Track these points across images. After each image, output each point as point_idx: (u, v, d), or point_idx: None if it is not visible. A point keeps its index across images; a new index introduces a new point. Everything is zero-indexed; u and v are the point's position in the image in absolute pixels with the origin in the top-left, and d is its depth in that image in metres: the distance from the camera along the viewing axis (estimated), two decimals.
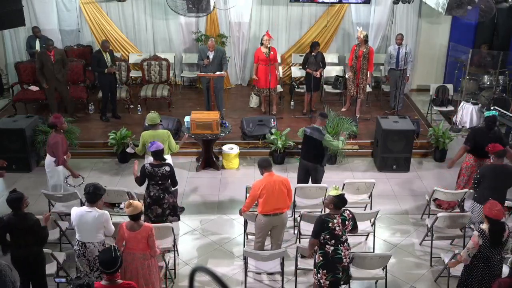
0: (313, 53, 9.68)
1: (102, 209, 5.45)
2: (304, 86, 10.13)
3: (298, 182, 7.19)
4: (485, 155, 6.94)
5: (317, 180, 7.18)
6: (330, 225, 5.07)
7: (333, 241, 5.12)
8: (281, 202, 5.91)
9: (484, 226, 5.13)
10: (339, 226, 5.10)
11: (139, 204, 5.18)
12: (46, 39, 9.65)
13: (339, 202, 5.12)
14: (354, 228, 5.30)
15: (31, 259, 5.22)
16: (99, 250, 5.33)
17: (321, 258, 5.21)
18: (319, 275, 5.24)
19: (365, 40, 9.66)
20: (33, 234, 5.20)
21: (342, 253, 5.16)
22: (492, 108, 9.37)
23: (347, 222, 5.15)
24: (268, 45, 9.53)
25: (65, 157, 6.91)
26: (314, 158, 7.07)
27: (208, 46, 9.34)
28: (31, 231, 5.17)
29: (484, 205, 6.21)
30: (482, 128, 7.10)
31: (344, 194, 5.20)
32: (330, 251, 5.14)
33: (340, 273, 5.20)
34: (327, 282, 5.21)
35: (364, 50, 9.63)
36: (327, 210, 5.31)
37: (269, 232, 6.14)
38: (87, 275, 5.16)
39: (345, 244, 5.22)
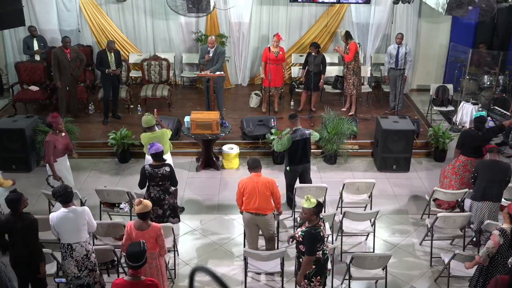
0: (312, 54, 9.70)
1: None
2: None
3: (290, 189, 7.15)
4: (476, 155, 7.04)
5: (308, 180, 7.24)
6: (322, 234, 5.04)
7: (321, 246, 5.10)
8: (262, 203, 5.93)
9: (506, 226, 5.06)
10: (325, 229, 5.14)
11: (149, 203, 5.21)
12: (64, 37, 9.63)
13: (319, 210, 5.04)
14: None
15: (30, 259, 5.23)
16: (87, 249, 5.36)
17: (313, 267, 5.09)
18: (312, 284, 5.14)
19: (346, 37, 9.83)
20: (31, 233, 5.22)
21: (327, 251, 5.18)
22: (491, 107, 9.39)
23: (324, 221, 5.20)
24: (277, 45, 9.67)
25: (65, 157, 6.93)
26: (306, 158, 7.13)
27: (208, 43, 9.37)
28: (29, 231, 5.20)
29: (477, 201, 6.26)
30: (470, 130, 7.12)
31: (319, 200, 5.10)
32: (321, 255, 5.11)
33: (328, 271, 5.25)
34: (321, 287, 5.19)
35: (347, 46, 9.75)
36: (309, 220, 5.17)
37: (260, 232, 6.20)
38: (75, 276, 5.18)
39: (326, 241, 5.23)
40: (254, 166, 6.04)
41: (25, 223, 5.18)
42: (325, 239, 5.17)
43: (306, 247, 4.99)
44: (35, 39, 10.41)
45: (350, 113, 10.03)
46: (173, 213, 6.47)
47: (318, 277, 5.13)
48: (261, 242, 6.40)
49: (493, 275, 5.12)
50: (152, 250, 5.17)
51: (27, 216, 5.26)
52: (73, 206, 5.33)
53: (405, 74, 10.02)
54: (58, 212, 5.31)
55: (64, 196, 5.28)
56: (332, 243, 6.41)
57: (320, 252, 5.08)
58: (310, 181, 7.27)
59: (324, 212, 6.71)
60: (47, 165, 6.97)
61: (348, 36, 9.86)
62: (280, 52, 9.72)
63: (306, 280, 5.17)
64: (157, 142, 6.42)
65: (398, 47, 9.90)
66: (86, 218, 5.33)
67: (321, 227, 5.04)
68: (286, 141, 6.96)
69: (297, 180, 7.25)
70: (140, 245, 4.53)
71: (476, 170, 6.46)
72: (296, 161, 7.11)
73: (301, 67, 10.74)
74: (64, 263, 5.42)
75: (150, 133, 6.96)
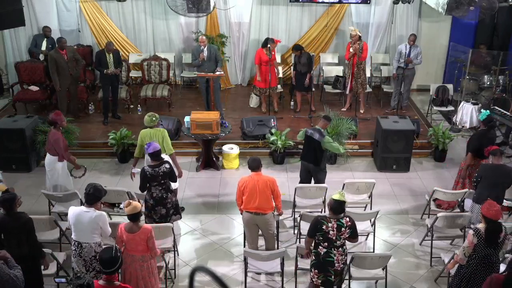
0: (295, 55, 9.82)
1: (101, 210, 5.43)
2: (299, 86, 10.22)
3: (300, 182, 7.19)
4: (485, 156, 7.01)
5: (319, 181, 7.19)
6: (323, 227, 5.06)
7: (326, 244, 5.10)
8: (263, 202, 5.93)
9: (481, 226, 5.12)
10: (333, 230, 5.07)
11: (138, 204, 5.17)
12: (59, 38, 9.58)
13: (336, 207, 5.10)
14: (353, 237, 5.25)
15: (24, 258, 5.14)
16: (96, 251, 5.33)
17: (313, 257, 5.25)
18: (311, 274, 5.30)
19: (359, 37, 9.83)
20: (26, 233, 5.19)
21: (335, 257, 5.13)
22: (492, 107, 9.38)
23: (343, 229, 5.10)
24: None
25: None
26: (313, 159, 7.08)
27: (200, 41, 9.36)
28: (24, 230, 5.16)
29: (479, 204, 6.24)
30: (483, 131, 7.13)
31: (344, 202, 5.16)
32: (322, 253, 5.14)
33: (333, 276, 5.18)
34: (320, 281, 5.24)
35: (358, 46, 9.71)
36: (327, 211, 5.32)
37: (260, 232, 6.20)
38: (75, 276, 5.14)
39: (340, 249, 5.17)
40: (254, 166, 6.02)
41: (20, 222, 5.15)
42: (333, 241, 5.10)
43: (309, 227, 5.30)
44: (45, 39, 10.44)
45: (361, 111, 10.17)
46: (176, 210, 6.48)
47: (316, 271, 5.21)
48: (261, 242, 6.40)
49: (470, 272, 5.18)
50: (143, 253, 5.15)
51: (21, 215, 5.22)
52: (94, 209, 5.28)
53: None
54: (77, 209, 5.31)
55: (90, 196, 5.25)
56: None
57: (324, 250, 5.11)
58: (320, 183, 7.21)
59: (324, 211, 6.72)
60: (57, 163, 6.93)
61: (360, 36, 9.88)
62: (272, 52, 9.72)
63: (310, 268, 5.32)
64: (154, 141, 6.42)
65: (410, 47, 9.88)
66: (100, 223, 5.29)
67: (329, 224, 5.06)
68: (301, 131, 7.26)
69: (310, 179, 7.27)
70: (112, 251, 4.45)
71: (479, 174, 6.42)
72: (303, 155, 7.26)
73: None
74: (73, 261, 5.42)
75: (148, 129, 6.96)
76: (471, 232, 5.14)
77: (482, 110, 8.81)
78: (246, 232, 6.28)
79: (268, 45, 9.62)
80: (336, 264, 5.15)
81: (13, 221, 5.14)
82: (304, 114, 10.04)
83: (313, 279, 5.27)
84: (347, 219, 5.16)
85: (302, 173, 7.32)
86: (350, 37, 10.02)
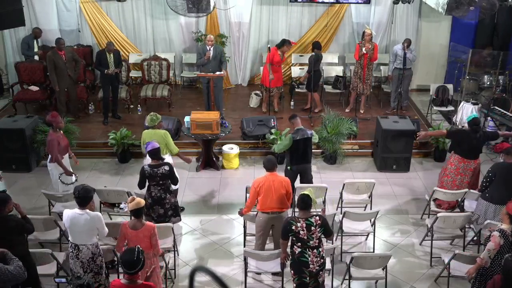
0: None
1: (95, 210, 5.40)
2: (304, 85, 10.31)
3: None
4: (471, 157, 7.05)
5: (309, 180, 7.23)
6: (293, 228, 5.08)
7: (299, 244, 5.12)
8: (279, 202, 5.92)
9: (505, 226, 5.04)
10: (303, 230, 5.07)
11: (141, 200, 5.19)
12: (57, 39, 9.53)
13: (300, 202, 5.12)
14: (328, 235, 5.25)
15: (19, 258, 5.12)
16: (93, 252, 5.32)
17: (290, 257, 5.28)
18: (291, 274, 5.30)
19: (371, 37, 9.85)
20: (17, 234, 5.15)
21: (309, 258, 5.12)
22: (491, 107, 9.39)
23: (313, 228, 5.08)
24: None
25: (67, 156, 6.96)
26: (307, 158, 7.11)
27: (207, 40, 9.34)
28: (15, 231, 5.12)
29: (494, 204, 6.18)
30: (469, 131, 7.13)
31: (307, 196, 5.13)
32: (297, 252, 5.15)
33: (308, 278, 5.17)
34: (295, 285, 5.23)
35: (370, 46, 9.70)
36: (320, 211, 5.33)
37: (271, 232, 6.16)
38: (75, 276, 5.14)
39: (315, 250, 5.13)
40: (269, 167, 5.98)
41: (9, 226, 5.06)
42: (306, 241, 5.08)
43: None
44: (35, 40, 10.42)
45: (361, 111, 10.20)
46: (175, 212, 6.48)
47: (292, 272, 5.23)
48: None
49: (493, 275, 5.09)
50: (147, 250, 5.14)
51: (10, 218, 5.14)
52: (87, 211, 5.24)
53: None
54: (71, 212, 5.26)
55: (82, 198, 5.21)
56: (332, 243, 6.40)
57: (298, 250, 5.12)
58: (311, 181, 7.25)
59: (325, 212, 6.72)
60: (50, 164, 6.94)
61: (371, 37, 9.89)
62: (285, 54, 9.85)
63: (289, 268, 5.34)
64: (153, 140, 6.43)
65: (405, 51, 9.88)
66: (96, 225, 5.26)
67: (298, 224, 5.07)
68: (287, 140, 6.98)
69: (297, 180, 7.24)
70: (134, 252, 4.39)
71: (493, 173, 6.37)
72: (296, 160, 7.12)
73: (302, 67, 10.79)
74: (71, 262, 5.39)
75: (151, 130, 6.97)
76: (496, 233, 5.02)
77: (474, 111, 8.83)
78: (260, 233, 6.12)
79: (269, 46, 9.66)
80: (311, 266, 5.13)
81: (1, 224, 5.03)
82: (304, 114, 10.03)
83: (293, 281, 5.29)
84: (317, 217, 5.13)
85: (293, 178, 7.05)
86: (362, 37, 9.99)
